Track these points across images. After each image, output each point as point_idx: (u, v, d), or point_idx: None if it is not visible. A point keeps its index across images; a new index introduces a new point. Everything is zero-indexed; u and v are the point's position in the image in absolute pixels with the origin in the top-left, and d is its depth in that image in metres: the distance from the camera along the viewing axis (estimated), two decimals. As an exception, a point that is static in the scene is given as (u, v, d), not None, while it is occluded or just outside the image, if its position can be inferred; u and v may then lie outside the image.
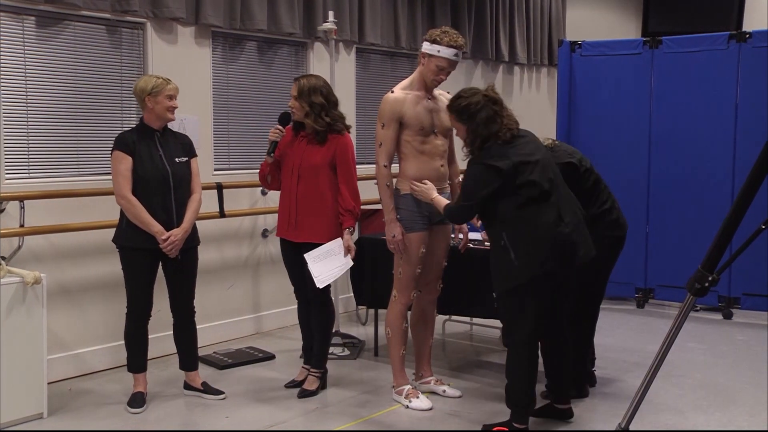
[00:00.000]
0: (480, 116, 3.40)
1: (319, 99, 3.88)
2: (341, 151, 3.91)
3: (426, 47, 3.76)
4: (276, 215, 4.13)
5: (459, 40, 3.71)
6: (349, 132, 4.01)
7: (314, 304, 4.03)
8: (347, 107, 5.86)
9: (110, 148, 4.50)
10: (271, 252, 5.40)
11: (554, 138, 4.16)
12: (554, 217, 3.28)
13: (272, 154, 3.96)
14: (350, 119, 5.82)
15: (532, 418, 3.57)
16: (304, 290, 4.06)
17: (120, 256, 3.80)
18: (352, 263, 3.88)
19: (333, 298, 5.16)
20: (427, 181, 3.75)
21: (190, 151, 3.91)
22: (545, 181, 3.32)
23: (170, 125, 3.90)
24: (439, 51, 3.72)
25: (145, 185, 3.71)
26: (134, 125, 4.61)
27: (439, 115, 3.85)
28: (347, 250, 3.88)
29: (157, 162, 3.74)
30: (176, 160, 3.79)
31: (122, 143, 3.74)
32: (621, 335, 5.33)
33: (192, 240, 3.90)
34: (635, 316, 5.92)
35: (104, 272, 4.51)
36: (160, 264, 3.86)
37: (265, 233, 5.37)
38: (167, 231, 3.73)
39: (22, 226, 4.05)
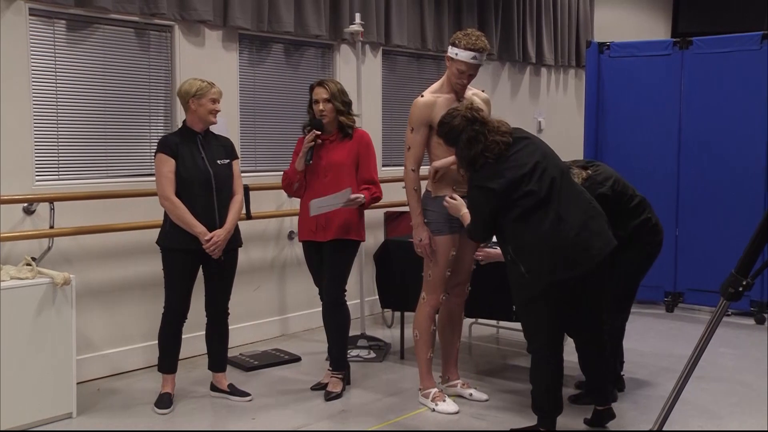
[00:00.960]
0: (461, 139, 3.39)
1: (348, 98, 4.00)
2: (363, 145, 3.99)
3: (449, 50, 3.75)
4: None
5: (479, 43, 3.66)
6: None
7: (327, 305, 4.04)
8: (373, 109, 5.90)
9: (139, 150, 4.63)
10: (297, 254, 5.40)
11: (586, 161, 4.06)
12: (555, 222, 3.21)
13: (310, 161, 3.98)
14: (376, 121, 6.00)
15: (565, 422, 3.54)
16: None
17: (162, 256, 3.85)
18: (350, 198, 3.84)
19: (359, 301, 5.21)
20: (456, 196, 3.70)
21: (231, 153, 3.95)
22: (544, 187, 3.25)
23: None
24: (457, 54, 3.68)
25: (188, 187, 3.75)
26: (163, 127, 4.71)
27: None
28: (352, 200, 3.84)
29: (199, 164, 3.78)
30: (218, 162, 3.84)
31: (165, 146, 3.79)
32: (650, 339, 5.27)
33: (234, 241, 3.94)
34: (664, 321, 5.85)
35: (133, 273, 4.55)
36: (201, 266, 3.91)
37: (291, 235, 5.38)
38: (210, 232, 3.76)
39: (51, 227, 4.09)
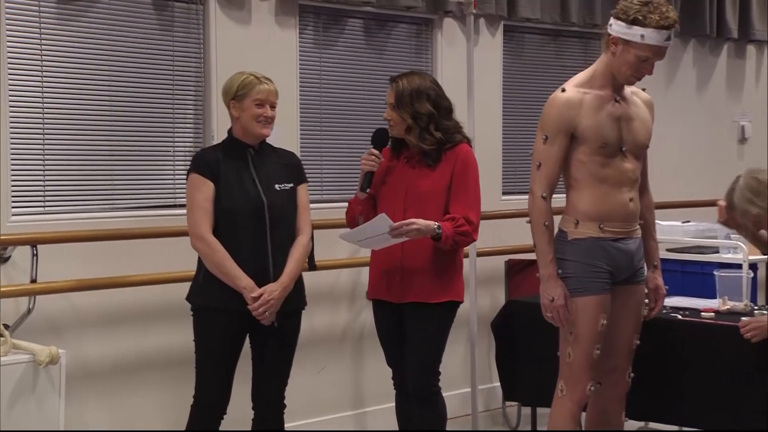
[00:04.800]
0: None
1: (425, 107, 3.86)
2: (460, 166, 3.89)
3: (620, 29, 3.64)
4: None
5: (672, 16, 3.62)
6: (470, 145, 4.00)
7: (414, 398, 3.97)
8: (490, 110, 5.86)
9: (157, 172, 4.69)
10: None
11: None
12: None
13: (368, 190, 3.95)
14: (494, 128, 5.93)
15: None
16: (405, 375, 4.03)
17: (194, 321, 3.83)
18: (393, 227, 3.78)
19: (469, 389, 5.09)
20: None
21: (296, 175, 3.94)
22: None
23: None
24: (643, 36, 3.59)
25: (232, 222, 3.75)
26: (192, 138, 4.78)
27: (631, 126, 3.74)
28: (397, 228, 3.76)
29: (248, 189, 3.78)
30: (276, 187, 3.84)
31: (201, 163, 3.80)
32: None
33: (296, 300, 3.90)
34: None
35: (149, 347, 4.56)
36: (248, 334, 3.89)
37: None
38: (260, 286, 3.73)
39: (33, 281, 4.11)
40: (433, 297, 3.89)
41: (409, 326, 3.94)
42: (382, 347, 4.10)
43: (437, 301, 3.90)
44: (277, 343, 3.88)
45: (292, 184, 3.89)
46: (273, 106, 3.83)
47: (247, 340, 3.90)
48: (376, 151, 3.97)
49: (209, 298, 3.78)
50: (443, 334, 3.97)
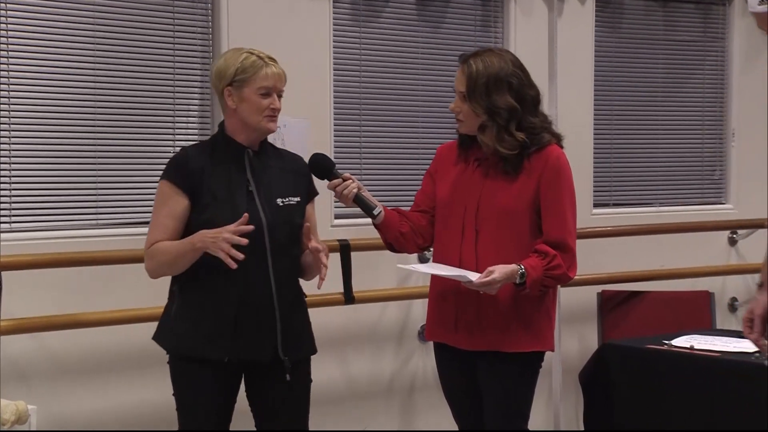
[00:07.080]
0: None
1: (505, 100, 3.76)
2: (550, 175, 3.79)
3: None
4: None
5: None
6: (561, 146, 3.88)
7: None
8: (579, 99, 5.89)
9: (152, 181, 4.67)
10: (435, 367, 5.24)
11: None
12: None
13: (376, 211, 3.84)
14: (585, 120, 5.95)
15: None
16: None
17: (170, 370, 3.79)
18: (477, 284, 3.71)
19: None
20: None
21: (308, 187, 3.88)
22: None
23: (272, 138, 3.88)
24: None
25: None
26: (197, 136, 4.82)
27: None
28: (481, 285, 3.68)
29: (240, 204, 3.70)
30: (279, 201, 3.76)
31: (177, 169, 3.72)
32: None
33: (304, 344, 3.83)
34: None
35: (137, 401, 4.56)
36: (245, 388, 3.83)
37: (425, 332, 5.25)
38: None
39: (-5, 316, 4.13)
40: (512, 345, 3.80)
41: (484, 381, 3.89)
42: (447, 399, 4.04)
43: (517, 350, 3.81)
44: (289, 397, 3.78)
45: (298, 198, 3.79)
46: (280, 95, 3.74)
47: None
48: (336, 180, 3.81)
49: (186, 341, 3.70)
50: (529, 386, 3.92)
